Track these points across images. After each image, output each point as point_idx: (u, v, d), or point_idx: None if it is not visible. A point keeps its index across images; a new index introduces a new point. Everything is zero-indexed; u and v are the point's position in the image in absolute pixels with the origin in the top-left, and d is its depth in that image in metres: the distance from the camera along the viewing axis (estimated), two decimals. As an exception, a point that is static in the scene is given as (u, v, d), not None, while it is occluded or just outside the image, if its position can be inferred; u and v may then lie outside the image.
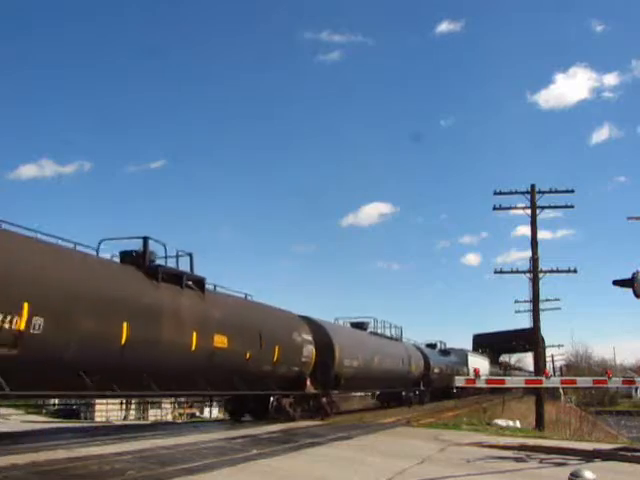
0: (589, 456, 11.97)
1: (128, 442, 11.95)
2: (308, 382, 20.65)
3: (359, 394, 38.36)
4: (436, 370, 40.72)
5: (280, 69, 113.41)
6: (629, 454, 12.31)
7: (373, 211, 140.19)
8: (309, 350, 20.47)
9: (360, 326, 29.45)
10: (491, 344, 71.74)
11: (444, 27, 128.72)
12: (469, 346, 67.79)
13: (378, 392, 36.25)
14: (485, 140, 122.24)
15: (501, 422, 24.07)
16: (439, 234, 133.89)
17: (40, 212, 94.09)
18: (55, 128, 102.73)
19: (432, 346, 45.82)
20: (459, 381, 16.16)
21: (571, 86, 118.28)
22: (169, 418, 30.86)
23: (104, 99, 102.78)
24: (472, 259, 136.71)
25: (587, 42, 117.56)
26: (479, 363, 55.50)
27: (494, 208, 27.61)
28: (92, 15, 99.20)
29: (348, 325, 28.84)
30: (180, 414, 32.11)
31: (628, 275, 11.07)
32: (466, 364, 51.11)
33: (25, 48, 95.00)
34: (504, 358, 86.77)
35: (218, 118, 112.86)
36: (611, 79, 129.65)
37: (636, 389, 62.90)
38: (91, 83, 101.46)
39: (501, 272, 28.45)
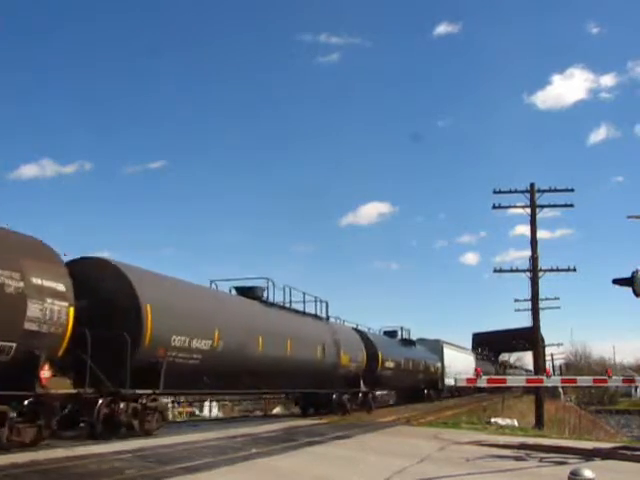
0: (589, 455, 11.95)
1: (127, 441, 11.94)
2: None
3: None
4: (389, 364, 30.03)
5: (279, 70, 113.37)
6: (629, 453, 12.30)
7: (372, 211, 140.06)
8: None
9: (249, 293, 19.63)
10: (490, 343, 71.69)
11: (442, 29, 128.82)
12: (469, 345, 67.59)
13: (288, 392, 24.08)
14: (483, 140, 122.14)
15: (501, 421, 24.06)
16: (437, 233, 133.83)
17: (41, 212, 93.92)
18: (55, 128, 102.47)
19: (391, 334, 34.97)
20: (460, 380, 15.60)
21: (568, 87, 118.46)
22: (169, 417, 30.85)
23: (104, 99, 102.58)
24: (471, 258, 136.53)
25: (584, 44, 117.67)
26: (460, 359, 49.74)
27: (493, 207, 27.55)
28: (92, 15, 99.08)
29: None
30: (180, 413, 32.11)
31: (627, 274, 11.06)
32: (441, 359, 43.31)
33: (25, 48, 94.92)
34: (504, 357, 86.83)
35: (217, 118, 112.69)
36: (608, 80, 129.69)
37: (636, 388, 62.87)
38: (91, 83, 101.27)
39: (500, 271, 28.40)
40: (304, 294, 22.23)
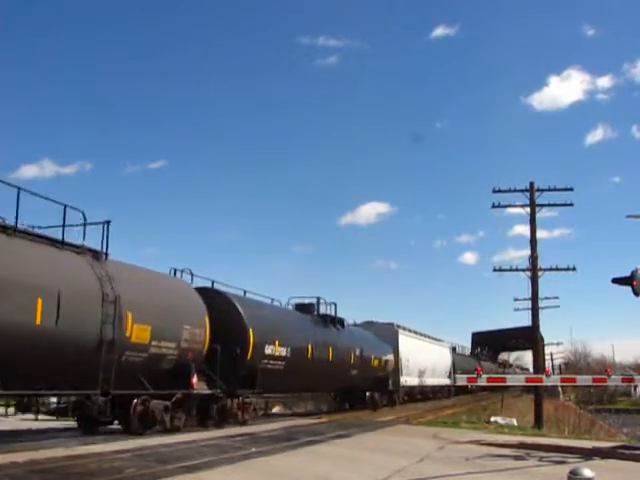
0: (588, 454, 11.96)
1: (127, 440, 11.94)
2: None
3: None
4: (280, 353, 18.96)
5: (279, 72, 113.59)
6: (628, 452, 12.31)
7: (371, 210, 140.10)
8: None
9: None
10: (490, 342, 71.69)
11: (440, 31, 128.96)
12: (468, 344, 67.43)
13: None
14: (480, 142, 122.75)
15: (500, 420, 24.08)
16: (436, 233, 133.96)
17: (41, 213, 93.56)
18: (56, 129, 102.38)
19: (304, 308, 23.36)
20: (461, 380, 15.40)
21: (565, 88, 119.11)
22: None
23: (104, 100, 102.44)
24: (469, 258, 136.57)
25: (580, 46, 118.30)
26: (427, 351, 39.65)
27: (493, 206, 27.59)
28: (92, 15, 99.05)
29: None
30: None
31: (625, 273, 11.08)
32: (395, 350, 31.74)
33: (25, 49, 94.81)
34: (503, 356, 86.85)
35: (218, 119, 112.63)
36: (605, 81, 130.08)
37: (635, 387, 62.91)
38: (91, 84, 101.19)
39: (500, 270, 28.43)
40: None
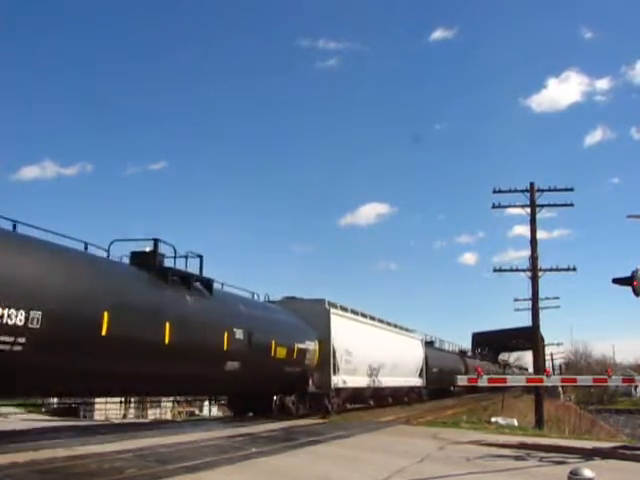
0: (588, 454, 11.96)
1: (128, 440, 11.93)
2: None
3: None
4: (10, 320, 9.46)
5: (279, 73, 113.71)
6: (628, 452, 12.31)
7: (370, 211, 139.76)
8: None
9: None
10: (490, 342, 71.70)
11: (438, 34, 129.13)
12: (469, 345, 67.21)
13: None
14: (479, 143, 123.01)
15: (501, 420, 24.07)
16: (436, 234, 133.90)
17: (43, 213, 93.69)
18: (57, 129, 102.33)
19: (144, 259, 14.25)
20: (461, 380, 15.14)
21: (563, 90, 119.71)
22: (168, 416, 30.90)
23: (105, 100, 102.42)
24: (469, 258, 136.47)
25: (578, 48, 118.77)
26: (384, 341, 28.66)
27: (493, 206, 27.60)
28: (92, 16, 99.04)
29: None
30: (179, 412, 32.14)
31: (625, 273, 11.08)
32: (326, 337, 21.96)
33: (26, 49, 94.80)
34: (503, 356, 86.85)
35: (218, 119, 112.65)
36: (603, 83, 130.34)
37: (635, 387, 62.90)
38: (92, 84, 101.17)
39: (500, 270, 28.46)
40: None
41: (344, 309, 25.16)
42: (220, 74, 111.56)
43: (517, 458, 11.67)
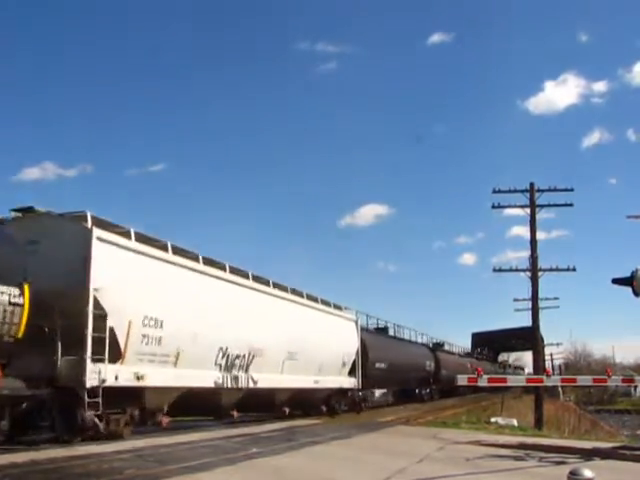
0: (588, 455, 11.96)
1: (127, 441, 11.94)
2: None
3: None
4: None
5: (279, 75, 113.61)
6: (628, 453, 12.29)
7: (369, 212, 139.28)
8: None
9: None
10: (490, 343, 71.67)
11: (436, 38, 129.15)
12: (469, 345, 67.14)
13: None
14: (477, 146, 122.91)
15: (501, 420, 24.07)
16: (435, 235, 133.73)
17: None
18: (57, 131, 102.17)
19: None
20: (461, 379, 14.95)
21: (561, 93, 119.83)
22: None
23: (105, 101, 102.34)
24: (468, 259, 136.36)
25: (576, 52, 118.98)
26: (236, 307, 16.49)
27: (493, 206, 27.57)
28: (92, 16, 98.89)
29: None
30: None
31: (625, 273, 11.07)
32: (80, 284, 11.27)
33: (26, 50, 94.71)
34: (503, 357, 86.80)
35: (218, 120, 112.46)
36: (600, 86, 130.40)
37: (635, 388, 62.81)
38: (92, 84, 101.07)
39: (500, 270, 28.42)
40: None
41: (150, 240, 14.24)
42: (220, 76, 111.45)
43: (517, 458, 11.67)
